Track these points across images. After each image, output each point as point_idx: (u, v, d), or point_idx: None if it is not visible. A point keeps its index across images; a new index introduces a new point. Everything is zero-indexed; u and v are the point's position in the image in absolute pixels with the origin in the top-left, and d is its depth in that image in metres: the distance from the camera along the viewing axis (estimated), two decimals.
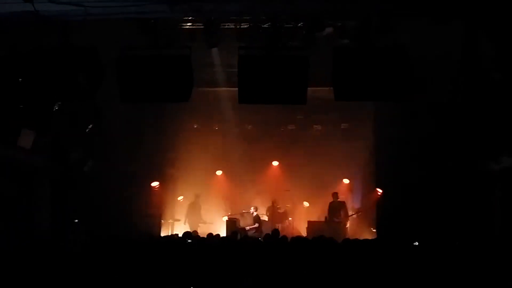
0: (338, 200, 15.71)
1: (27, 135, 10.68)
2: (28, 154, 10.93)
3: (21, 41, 8.40)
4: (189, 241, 9.58)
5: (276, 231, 10.74)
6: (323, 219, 15.55)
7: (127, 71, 8.26)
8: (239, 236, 11.39)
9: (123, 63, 8.25)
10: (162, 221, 15.81)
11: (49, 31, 7.98)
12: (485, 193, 10.99)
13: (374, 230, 15.13)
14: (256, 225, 15.64)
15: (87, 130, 12.24)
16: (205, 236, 10.37)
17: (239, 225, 15.58)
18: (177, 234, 11.24)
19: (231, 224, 15.32)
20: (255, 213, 16.07)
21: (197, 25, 9.87)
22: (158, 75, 8.25)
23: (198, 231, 14.28)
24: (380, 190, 15.07)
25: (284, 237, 9.99)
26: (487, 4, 7.51)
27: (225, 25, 9.98)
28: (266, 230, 14.53)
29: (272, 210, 16.18)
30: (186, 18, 9.62)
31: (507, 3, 7.54)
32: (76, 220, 12.97)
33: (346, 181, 17.20)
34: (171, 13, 7.66)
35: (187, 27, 9.98)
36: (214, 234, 10.69)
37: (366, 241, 9.73)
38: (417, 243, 9.67)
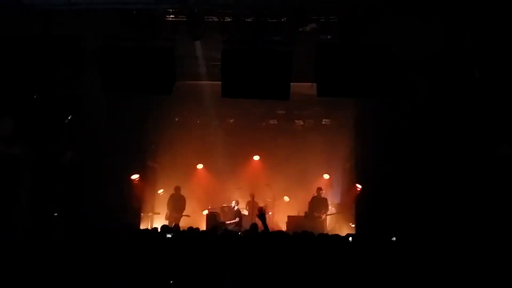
0: (321, 196, 15.82)
1: (5, 124, 10.52)
2: (7, 144, 10.76)
3: (3, 29, 8.25)
4: (168, 235, 9.56)
5: (254, 225, 10.76)
6: (303, 214, 15.65)
7: (109, 61, 8.19)
8: (219, 231, 11.39)
9: (105, 53, 8.19)
10: (142, 214, 15.71)
11: (31, 20, 7.85)
12: (465, 188, 11.14)
13: (353, 226, 15.26)
14: (237, 219, 15.64)
15: (66, 121, 12.07)
16: (185, 230, 10.34)
17: (220, 219, 15.57)
18: (156, 228, 11.19)
19: (212, 218, 15.31)
20: (236, 207, 16.08)
21: (181, 17, 9.80)
22: (141, 67, 8.21)
23: (180, 225, 14.25)
24: (359, 186, 15.19)
25: (263, 231, 10.01)
26: (470, 4, 7.61)
27: (208, 18, 9.93)
28: (246, 224, 14.57)
29: (252, 204, 16.21)
30: (169, 10, 9.55)
31: (488, 3, 7.65)
32: (56, 214, 12.81)
33: (326, 176, 17.32)
34: (156, 5, 7.61)
35: (170, 19, 9.90)
36: (194, 228, 10.67)
37: (345, 236, 9.81)
38: (394, 239, 9.78)
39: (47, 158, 12.28)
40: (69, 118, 11.86)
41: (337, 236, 9.60)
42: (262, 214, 8.35)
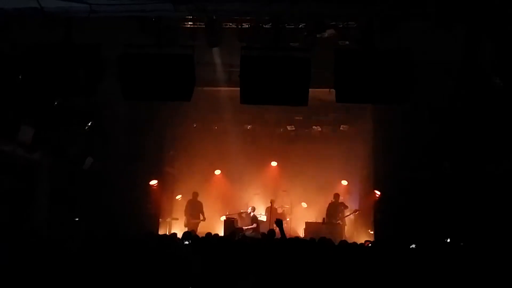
0: (339, 201, 15.75)
1: (27, 131, 10.67)
2: (27, 150, 10.90)
3: (23, 37, 8.38)
4: (186, 242, 9.58)
5: (271, 231, 10.74)
6: (320, 220, 15.58)
7: (129, 68, 8.25)
8: (237, 236, 11.39)
9: (125, 61, 8.24)
10: (160, 219, 15.80)
11: (51, 28, 7.96)
12: (485, 195, 11.01)
13: (372, 232, 15.15)
14: (254, 225, 15.65)
15: (86, 128, 12.21)
16: (204, 236, 10.36)
17: (237, 225, 15.59)
18: (175, 233, 11.23)
19: (229, 224, 15.33)
20: (252, 214, 16.09)
21: (199, 24, 9.87)
22: (160, 74, 8.24)
23: (198, 231, 14.28)
24: (378, 192, 15.09)
25: (281, 238, 10.00)
26: (490, 9, 7.52)
27: (226, 25, 9.99)
28: (264, 230, 14.55)
29: (271, 211, 16.19)
30: (188, 17, 9.62)
31: (509, 9, 7.56)
32: (77, 219, 12.95)
33: (344, 182, 17.25)
34: (175, 12, 7.66)
35: (189, 25, 9.99)
36: (212, 233, 10.70)
37: (363, 243, 9.74)
38: (414, 246, 9.69)
39: (67, 164, 12.43)
40: (89, 124, 12.00)
41: (355, 244, 9.56)
42: (279, 222, 8.32)
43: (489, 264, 7.82)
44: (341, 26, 9.81)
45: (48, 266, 7.57)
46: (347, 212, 15.91)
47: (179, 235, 10.35)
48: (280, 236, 8.83)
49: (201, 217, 15.93)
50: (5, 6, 7.24)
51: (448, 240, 10.41)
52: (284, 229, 12.16)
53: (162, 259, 8.08)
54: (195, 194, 16.20)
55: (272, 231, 10.83)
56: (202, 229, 14.81)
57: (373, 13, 8.35)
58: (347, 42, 9.98)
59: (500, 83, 8.71)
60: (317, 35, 9.83)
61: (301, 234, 15.59)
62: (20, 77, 8.75)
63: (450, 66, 10.18)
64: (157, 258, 8.07)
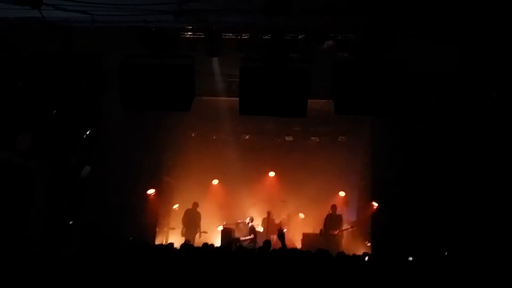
0: (336, 213, 15.73)
1: (25, 139, 10.66)
2: (25, 158, 10.89)
3: (25, 45, 8.41)
4: (183, 250, 9.54)
5: (267, 242, 10.72)
6: (318, 231, 15.55)
7: (129, 78, 8.28)
8: (234, 247, 11.36)
9: (125, 71, 8.27)
10: (157, 229, 15.74)
11: (53, 37, 8.00)
12: (483, 209, 11.03)
13: (369, 244, 15.11)
14: (252, 236, 15.58)
15: (84, 136, 12.21)
16: (200, 246, 10.33)
17: (234, 235, 15.53)
18: (172, 243, 11.19)
19: (226, 234, 15.28)
20: (250, 224, 16.03)
21: (198, 34, 9.92)
22: (160, 84, 8.28)
23: (195, 241, 14.24)
24: (375, 204, 15.07)
25: (278, 248, 9.97)
26: (487, 23, 7.59)
27: (226, 35, 10.03)
28: (261, 241, 14.51)
29: (268, 221, 16.16)
30: (188, 27, 9.66)
31: (505, 23, 7.61)
32: (71, 222, 12.90)
33: (342, 193, 17.23)
34: (175, 23, 7.71)
35: (188, 36, 10.02)
36: (209, 244, 10.66)
37: (361, 255, 9.71)
38: (411, 258, 9.67)
39: (65, 172, 12.41)
40: (88, 133, 12.00)
41: (353, 255, 9.53)
42: (281, 234, 8.30)
43: (488, 275, 7.82)
44: (340, 38, 9.86)
45: (43, 274, 7.55)
46: (345, 226, 15.89)
47: (176, 245, 10.32)
48: (277, 247, 8.81)
49: (198, 230, 15.82)
50: (8, 15, 7.27)
51: (446, 254, 10.39)
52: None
53: (158, 268, 8.06)
54: (195, 205, 16.13)
55: (267, 242, 10.80)
56: (199, 239, 14.78)
57: (372, 26, 8.40)
58: (346, 54, 10.03)
59: (496, 95, 8.77)
60: (316, 47, 9.88)
61: (298, 245, 15.55)
62: (20, 85, 8.77)
63: (447, 78, 10.24)
64: (153, 267, 8.05)
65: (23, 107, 9.98)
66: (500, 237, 10.45)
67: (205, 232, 15.84)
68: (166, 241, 15.22)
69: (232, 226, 16.23)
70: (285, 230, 16.34)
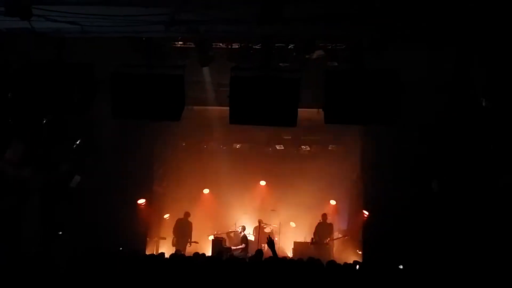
0: (327, 221, 15.76)
1: (16, 148, 10.61)
2: (17, 167, 10.83)
3: (16, 56, 8.40)
4: (173, 260, 9.52)
5: (259, 252, 10.71)
6: (309, 240, 15.57)
7: (120, 88, 8.28)
8: (224, 256, 11.34)
9: (116, 80, 8.27)
10: (148, 239, 15.68)
11: (44, 47, 8.00)
12: (473, 216, 11.10)
13: (360, 253, 15.15)
14: (243, 245, 15.55)
15: (74, 146, 12.17)
16: (191, 255, 10.31)
17: (225, 245, 15.50)
18: (163, 253, 11.15)
19: (217, 243, 15.24)
20: (242, 233, 16.02)
21: (189, 44, 9.97)
22: (151, 93, 8.28)
23: (186, 250, 14.18)
24: (366, 213, 15.12)
25: (271, 257, 9.96)
26: (480, 32, 7.66)
27: (216, 45, 10.09)
28: (253, 250, 14.50)
29: (259, 230, 16.16)
30: (178, 37, 9.70)
31: (499, 31, 7.69)
32: (60, 232, 12.82)
33: (333, 202, 17.28)
34: (166, 33, 7.74)
35: (179, 45, 10.08)
36: (199, 253, 10.64)
37: (352, 263, 9.75)
38: (401, 267, 9.70)
39: (56, 182, 12.35)
40: (78, 142, 11.95)
41: (344, 264, 9.56)
42: (271, 242, 8.32)
43: (478, 282, 7.87)
44: (330, 47, 9.94)
45: (37, 282, 7.53)
46: (336, 235, 15.92)
47: (167, 255, 10.29)
48: (269, 256, 8.81)
49: (189, 241, 15.76)
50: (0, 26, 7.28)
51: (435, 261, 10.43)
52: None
53: (149, 278, 8.04)
54: (187, 214, 16.08)
55: (259, 251, 10.79)
56: (190, 249, 14.73)
57: (363, 34, 8.46)
58: (336, 63, 10.10)
59: (488, 104, 8.84)
60: (306, 56, 9.94)
61: (290, 253, 15.55)
62: (9, 94, 8.75)
63: (439, 86, 10.31)
64: (143, 277, 8.03)
65: (14, 116, 9.96)
66: (492, 244, 10.51)
67: (196, 242, 15.76)
68: (156, 251, 15.14)
69: (223, 236, 16.21)
70: (276, 239, 16.38)
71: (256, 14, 6.65)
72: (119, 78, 8.26)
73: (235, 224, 16.70)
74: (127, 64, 8.40)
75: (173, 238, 15.68)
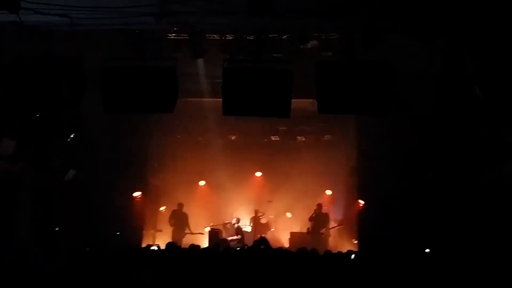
0: (322, 211, 15.78)
1: (8, 144, 10.57)
2: (9, 163, 10.80)
3: (5, 50, 8.33)
4: (170, 252, 9.54)
5: (259, 241, 10.73)
6: (305, 230, 15.60)
7: (111, 81, 8.22)
8: (221, 248, 11.35)
9: (107, 73, 8.21)
10: (144, 231, 15.68)
11: (33, 41, 7.93)
12: (468, 204, 11.14)
13: (356, 242, 15.20)
14: (239, 236, 15.59)
15: (68, 140, 12.12)
16: (187, 247, 10.32)
17: (222, 236, 15.53)
18: (158, 245, 11.17)
19: (214, 235, 15.27)
20: (236, 225, 16.05)
21: (182, 36, 9.90)
22: (143, 86, 8.22)
23: (183, 242, 14.19)
24: (362, 202, 15.16)
25: (266, 248, 9.99)
26: (472, 22, 7.65)
27: (210, 36, 10.03)
28: (249, 241, 14.52)
29: (255, 221, 16.17)
30: (171, 29, 9.64)
31: (490, 22, 7.68)
32: (57, 228, 12.82)
33: (328, 192, 17.28)
34: (157, 25, 7.68)
35: (172, 37, 10.01)
36: (196, 245, 10.65)
37: (347, 253, 9.77)
38: (397, 255, 9.73)
39: (49, 177, 12.32)
40: (72, 136, 11.91)
41: (340, 254, 9.59)
42: (265, 240, 8.32)
43: (477, 273, 7.90)
44: (324, 37, 9.90)
45: (30, 279, 7.52)
46: (332, 224, 15.95)
47: (163, 247, 10.30)
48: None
49: (187, 230, 15.80)
50: None
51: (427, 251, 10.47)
52: (269, 239, 12.28)
53: (146, 271, 8.05)
54: (180, 205, 16.10)
55: (260, 241, 10.81)
56: (186, 241, 14.74)
57: (355, 26, 8.44)
58: (330, 53, 10.07)
59: (480, 94, 8.84)
60: (301, 46, 9.90)
61: (286, 244, 15.59)
62: (0, 89, 8.68)
63: (431, 77, 10.31)
64: (140, 270, 8.05)
65: (5, 112, 9.90)
66: (487, 233, 10.57)
67: (201, 233, 15.80)
68: (153, 244, 15.14)
69: (220, 227, 16.22)
70: (272, 229, 16.42)
71: (245, 6, 6.61)
72: (110, 71, 8.20)
73: (232, 215, 16.71)
74: (118, 56, 8.34)
75: (173, 229, 15.68)
